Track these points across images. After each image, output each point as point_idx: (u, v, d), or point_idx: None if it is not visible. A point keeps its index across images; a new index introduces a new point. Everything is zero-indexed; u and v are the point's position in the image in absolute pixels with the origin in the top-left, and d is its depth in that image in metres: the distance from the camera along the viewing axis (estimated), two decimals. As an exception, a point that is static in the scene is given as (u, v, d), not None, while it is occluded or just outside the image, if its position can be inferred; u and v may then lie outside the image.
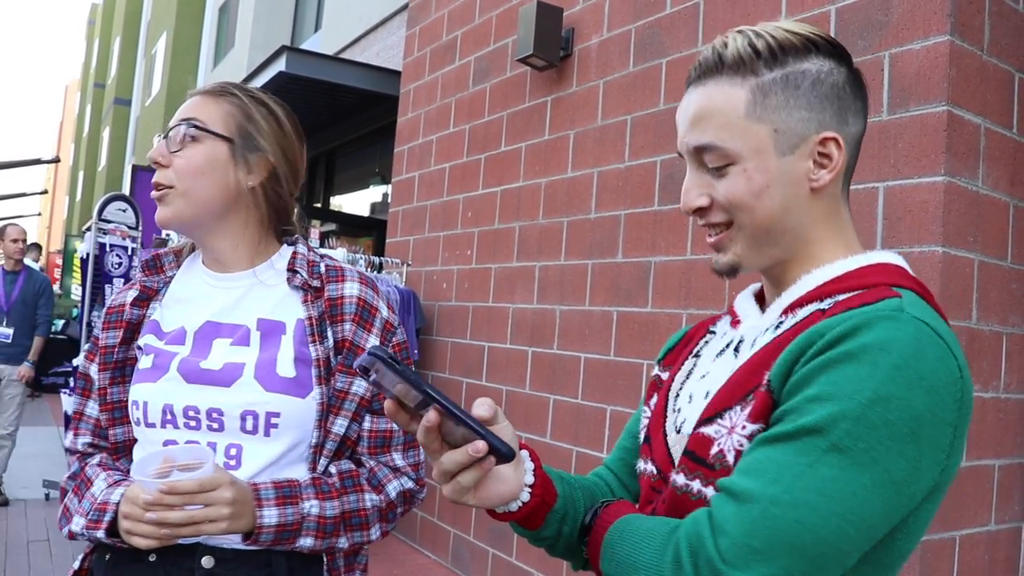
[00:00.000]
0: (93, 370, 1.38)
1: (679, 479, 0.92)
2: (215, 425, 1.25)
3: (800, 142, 0.91)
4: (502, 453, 0.83)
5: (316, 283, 1.35)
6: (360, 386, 1.32)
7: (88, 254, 6.15)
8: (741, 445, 0.85)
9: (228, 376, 1.27)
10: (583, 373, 3.64)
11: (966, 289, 2.38)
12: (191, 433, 1.26)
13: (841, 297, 0.88)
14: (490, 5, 4.70)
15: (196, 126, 1.30)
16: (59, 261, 14.33)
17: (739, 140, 0.91)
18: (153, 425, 1.27)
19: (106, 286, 6.09)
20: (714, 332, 1.07)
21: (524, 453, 0.94)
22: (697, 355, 1.04)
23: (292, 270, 1.36)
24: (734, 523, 0.78)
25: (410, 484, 1.35)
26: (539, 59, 3.91)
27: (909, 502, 0.80)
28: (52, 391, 10.13)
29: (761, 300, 1.02)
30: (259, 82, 6.31)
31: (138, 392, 1.30)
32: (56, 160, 16.28)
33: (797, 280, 0.94)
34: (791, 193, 0.92)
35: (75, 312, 11.30)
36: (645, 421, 1.08)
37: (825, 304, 0.89)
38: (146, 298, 1.38)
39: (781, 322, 0.93)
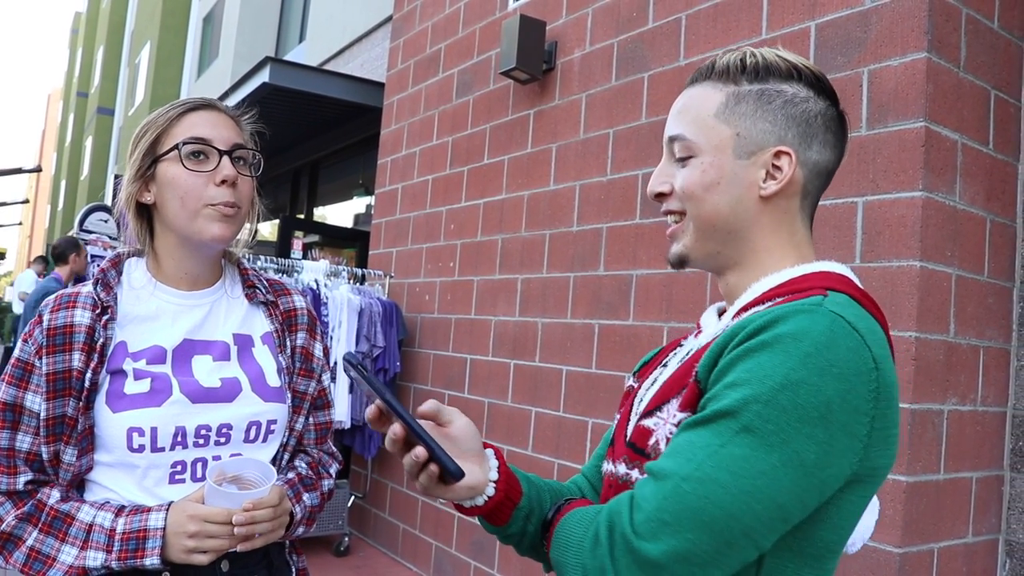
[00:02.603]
0: (31, 400, 1.27)
1: (620, 468, 0.98)
2: (223, 439, 1.33)
3: (757, 150, 0.97)
4: (450, 472, 0.90)
5: (271, 297, 1.46)
6: (311, 386, 1.46)
7: (68, 264, 6.10)
8: (671, 433, 0.90)
9: (230, 392, 1.34)
10: (565, 385, 3.64)
11: (943, 303, 2.40)
12: (200, 450, 1.31)
13: (780, 299, 0.93)
14: (474, 18, 4.72)
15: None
16: (39, 271, 14.16)
17: (703, 136, 0.99)
18: (162, 449, 1.28)
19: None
20: (683, 345, 1.12)
21: (489, 452, 1.00)
22: (665, 365, 1.10)
23: (252, 287, 1.46)
24: (649, 499, 0.82)
25: (333, 478, 1.53)
26: (522, 72, 3.93)
27: (822, 487, 0.83)
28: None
29: (724, 314, 1.07)
30: (242, 93, 6.29)
31: (140, 418, 1.26)
32: (38, 169, 16.17)
33: (748, 289, 1.00)
34: (739, 195, 0.98)
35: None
36: (614, 428, 1.13)
37: (765, 307, 0.93)
38: (110, 317, 1.30)
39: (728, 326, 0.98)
